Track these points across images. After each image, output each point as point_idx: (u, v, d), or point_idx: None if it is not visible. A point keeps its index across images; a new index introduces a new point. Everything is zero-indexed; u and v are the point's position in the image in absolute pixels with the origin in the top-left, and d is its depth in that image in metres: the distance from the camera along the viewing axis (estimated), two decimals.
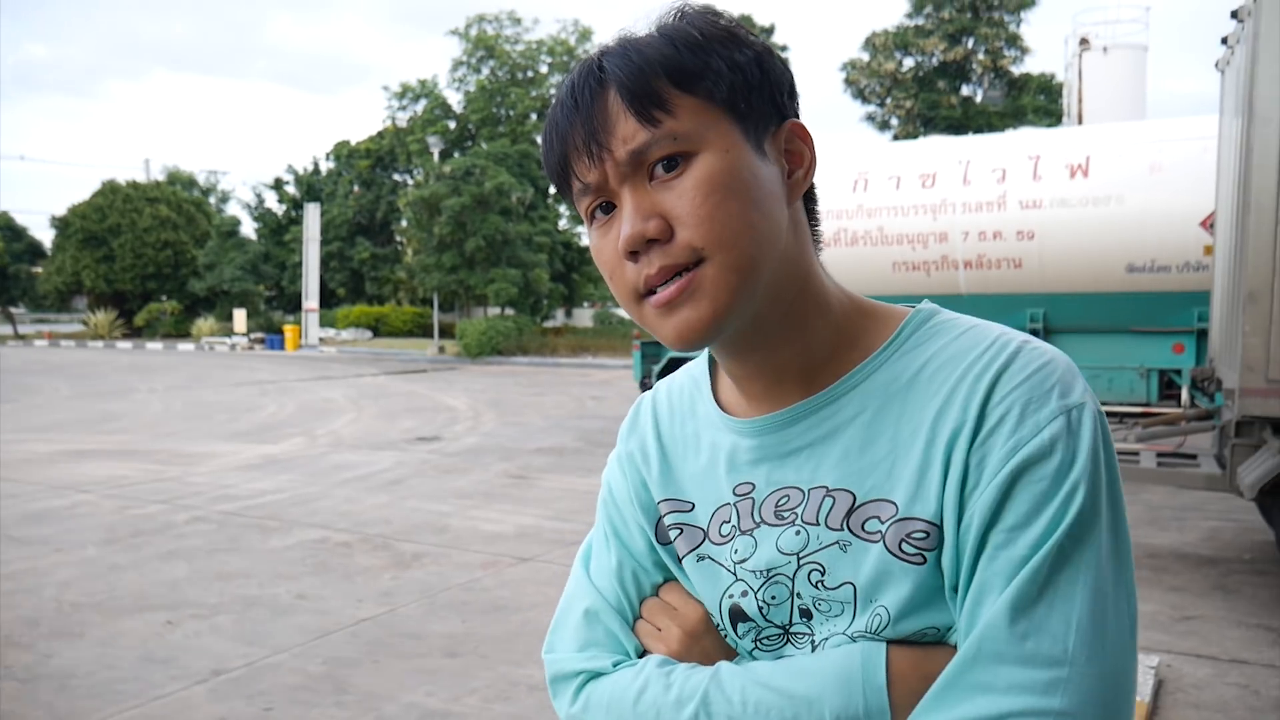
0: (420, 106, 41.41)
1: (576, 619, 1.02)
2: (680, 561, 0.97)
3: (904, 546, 0.82)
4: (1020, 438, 0.78)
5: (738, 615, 0.92)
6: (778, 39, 40.25)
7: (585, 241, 42.92)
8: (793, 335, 0.88)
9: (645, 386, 12.07)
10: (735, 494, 0.93)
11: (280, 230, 46.25)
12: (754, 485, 0.92)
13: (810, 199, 0.92)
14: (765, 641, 0.91)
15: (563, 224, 39.96)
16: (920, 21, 35.48)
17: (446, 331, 35.67)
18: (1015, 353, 0.83)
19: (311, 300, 36.56)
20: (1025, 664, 0.74)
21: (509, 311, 33.23)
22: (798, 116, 0.89)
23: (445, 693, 4.45)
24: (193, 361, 29.06)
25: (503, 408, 16.55)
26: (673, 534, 0.98)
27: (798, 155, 0.88)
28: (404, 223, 37.03)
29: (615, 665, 0.97)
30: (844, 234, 10.49)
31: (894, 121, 35.67)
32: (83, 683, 4.54)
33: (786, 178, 0.87)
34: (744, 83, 0.84)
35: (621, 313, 48.76)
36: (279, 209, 48.16)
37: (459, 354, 29.70)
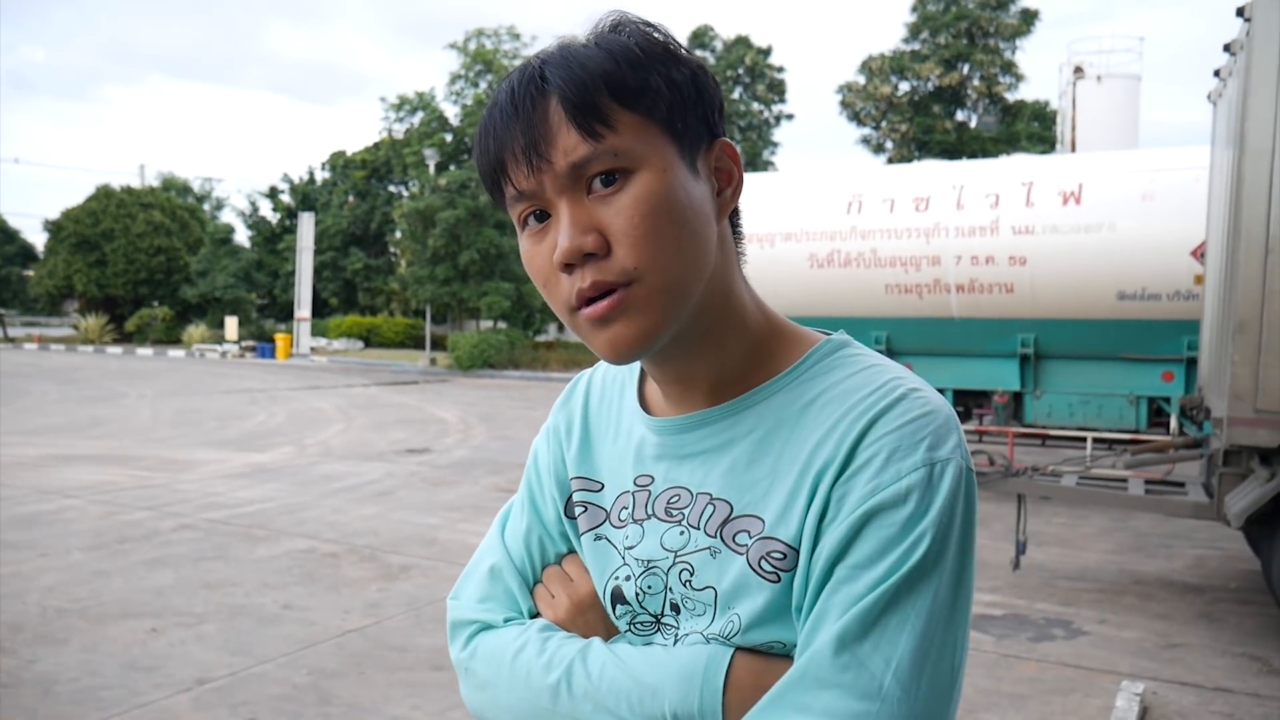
0: (417, 119, 41.44)
1: (482, 573, 1.07)
2: (580, 538, 1.02)
3: (763, 564, 0.86)
4: (880, 482, 0.81)
5: (618, 597, 0.97)
6: (775, 60, 40.50)
7: None
8: (708, 349, 0.91)
9: None
10: (635, 484, 0.98)
11: (274, 239, 46.20)
12: (652, 479, 0.96)
13: (735, 214, 0.94)
14: (639, 626, 0.96)
15: None
16: (916, 46, 35.73)
17: (438, 344, 35.64)
18: (898, 399, 0.85)
19: (304, 309, 36.51)
20: (842, 692, 0.78)
21: (501, 325, 33.22)
22: (724, 135, 0.90)
23: (431, 706, 4.44)
24: (183, 368, 28.97)
25: (493, 421, 16.53)
26: (578, 510, 1.03)
27: (726, 174, 0.90)
28: (398, 234, 37.03)
29: (506, 621, 1.02)
30: (837, 255, 10.53)
31: (889, 145, 35.87)
32: (66, 689, 4.51)
33: (715, 195, 0.89)
34: (681, 101, 0.85)
35: None
36: (273, 217, 48.12)
37: (450, 366, 29.65)
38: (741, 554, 0.87)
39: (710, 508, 0.90)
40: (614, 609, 0.97)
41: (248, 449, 12.44)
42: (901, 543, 0.80)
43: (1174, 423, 9.48)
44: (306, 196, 46.68)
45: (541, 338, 38.00)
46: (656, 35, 0.87)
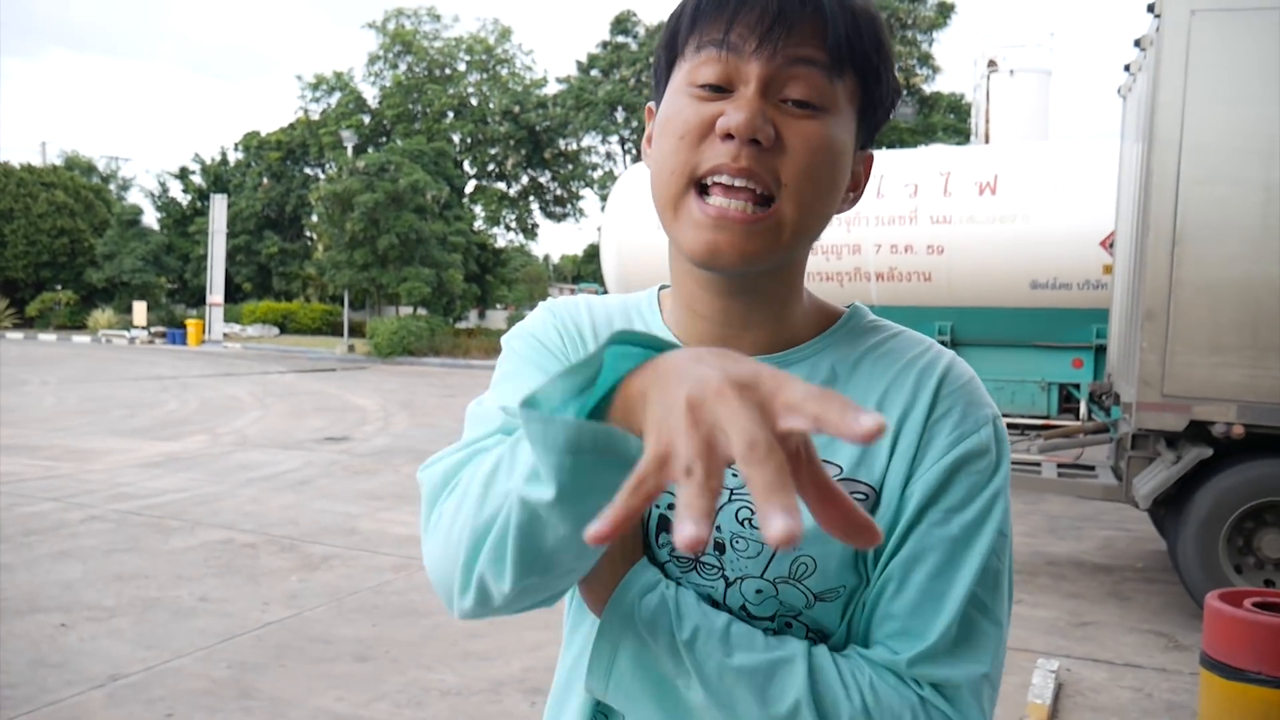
0: (334, 99, 40.64)
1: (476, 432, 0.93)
2: None
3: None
4: (964, 431, 0.89)
5: (662, 526, 0.93)
6: None
7: (500, 243, 42.74)
8: (774, 300, 0.93)
9: None
10: None
11: (185, 221, 44.86)
12: None
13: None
14: (678, 560, 0.93)
15: (478, 224, 39.63)
16: None
17: (357, 330, 35.05)
18: (952, 360, 0.94)
19: (216, 294, 35.55)
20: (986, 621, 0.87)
21: (421, 311, 32.80)
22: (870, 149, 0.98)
23: (355, 697, 4.37)
24: (88, 354, 28.00)
25: (414, 409, 16.32)
26: None
27: (857, 180, 0.95)
28: (315, 218, 36.26)
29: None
30: None
31: None
32: None
33: (846, 191, 0.94)
34: (882, 101, 0.91)
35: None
36: (184, 199, 46.71)
37: (369, 353, 29.20)
38: None
39: None
40: (657, 538, 0.93)
41: (159, 438, 12.08)
42: (986, 489, 0.88)
43: (1083, 408, 9.78)
44: (219, 178, 45.42)
45: (462, 324, 37.65)
46: (892, 50, 0.93)
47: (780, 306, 0.94)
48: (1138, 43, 6.26)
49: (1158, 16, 5.52)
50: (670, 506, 0.92)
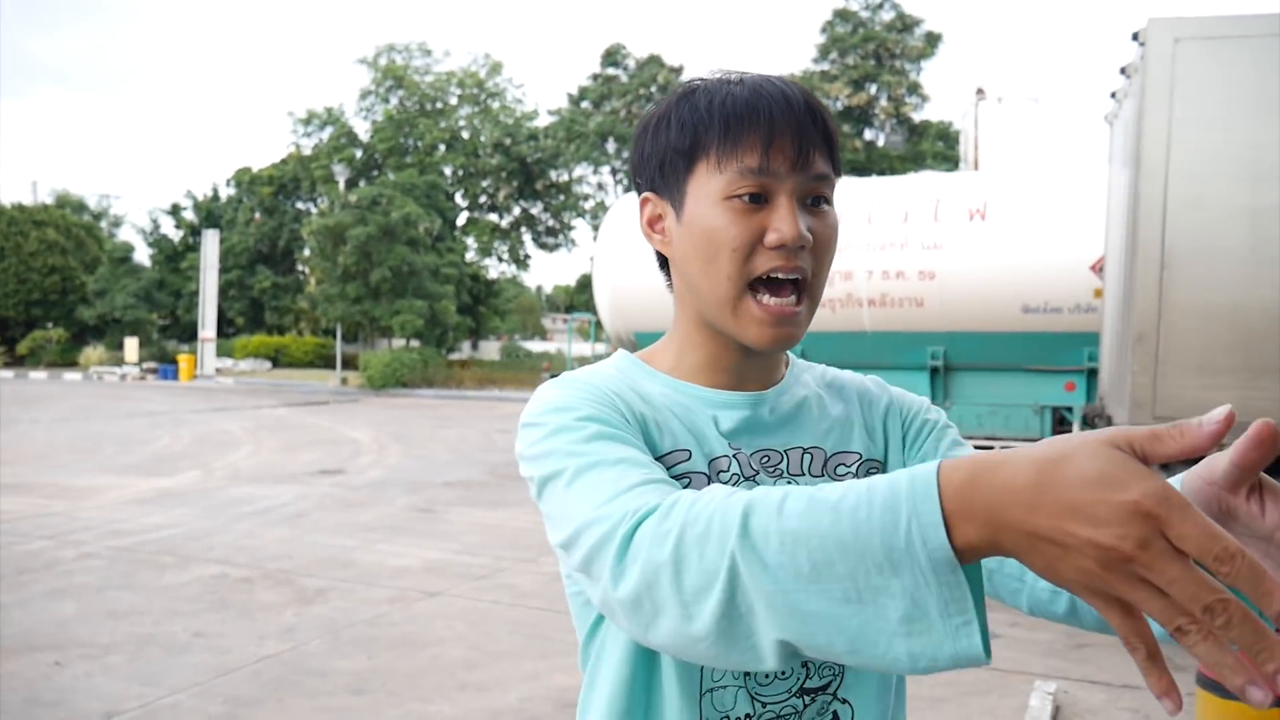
0: (326, 134, 40.85)
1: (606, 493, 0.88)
2: None
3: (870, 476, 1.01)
4: (934, 416, 1.19)
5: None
6: (686, 79, 40.88)
7: (493, 274, 42.83)
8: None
9: None
10: (730, 448, 1.07)
11: (176, 257, 44.90)
12: (740, 447, 1.08)
13: None
14: None
15: (470, 255, 39.74)
16: (826, 66, 36.50)
17: (349, 363, 35.03)
18: (872, 377, 1.25)
19: (208, 329, 35.54)
20: None
21: (414, 343, 32.83)
22: None
23: None
24: (80, 392, 27.93)
25: (408, 440, 16.30)
26: (681, 483, 0.97)
27: None
28: (307, 251, 36.35)
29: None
30: None
31: None
32: None
33: None
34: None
35: (528, 345, 48.60)
36: (175, 235, 46.79)
37: (362, 386, 29.17)
38: (847, 479, 1.04)
39: (807, 456, 1.10)
40: None
41: (152, 474, 12.04)
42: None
43: (1077, 431, 9.81)
44: (211, 213, 45.53)
45: (455, 356, 37.67)
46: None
47: (776, 357, 1.15)
48: (1124, 70, 6.35)
49: (1143, 45, 5.61)
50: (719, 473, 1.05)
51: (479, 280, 39.93)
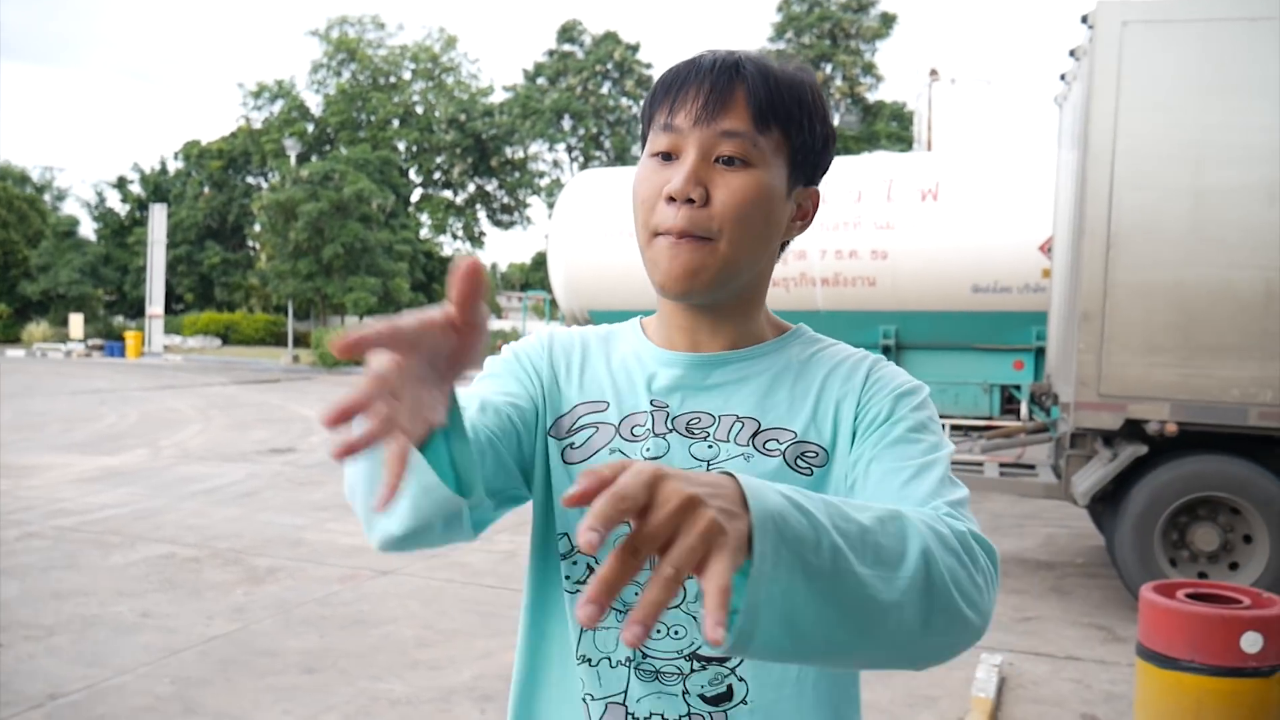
0: (276, 107, 40.19)
1: None
2: (576, 463, 1.11)
3: (799, 461, 1.08)
4: (896, 385, 1.11)
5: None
6: (644, 56, 40.74)
7: (447, 252, 42.49)
8: (739, 312, 1.15)
9: None
10: (652, 405, 1.13)
11: (123, 232, 44.04)
12: (668, 404, 1.13)
13: (785, 243, 1.18)
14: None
15: (424, 233, 39.37)
16: (782, 46, 36.51)
17: (301, 340, 34.62)
18: (879, 358, 1.17)
19: (156, 306, 34.91)
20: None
21: (367, 321, 32.50)
22: (818, 185, 1.16)
23: (303, 710, 4.32)
24: (23, 369, 27.31)
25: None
26: (584, 433, 1.13)
27: (804, 211, 1.15)
28: (257, 227, 35.80)
29: None
30: None
31: None
32: None
33: (791, 221, 1.14)
34: (810, 148, 1.10)
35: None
36: (122, 209, 45.87)
37: (314, 363, 28.86)
38: (775, 456, 1.08)
39: (739, 425, 1.10)
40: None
41: (98, 452, 11.83)
42: (934, 421, 1.10)
43: (1024, 409, 9.97)
44: (159, 187, 44.66)
45: None
46: (822, 95, 1.12)
47: (740, 319, 1.15)
48: (1073, 53, 6.42)
49: (1091, 28, 5.67)
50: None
51: (433, 258, 39.59)
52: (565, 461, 1.12)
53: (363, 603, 5.91)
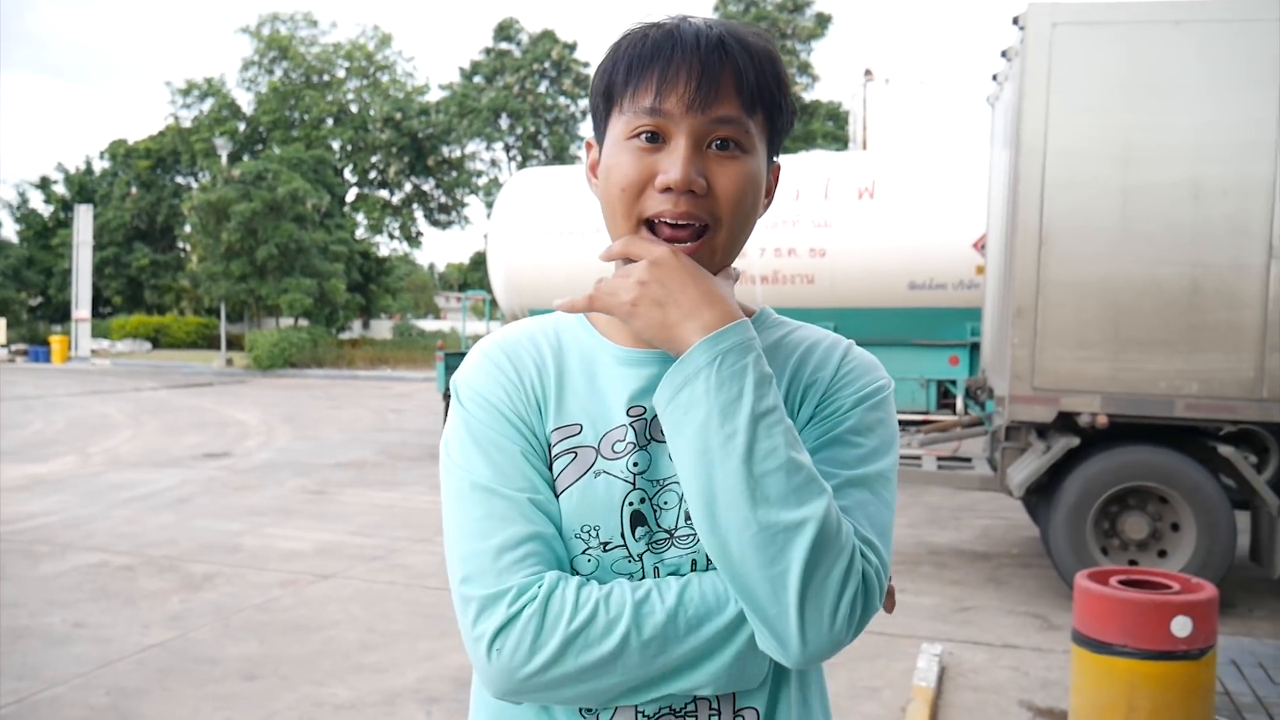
0: (206, 105, 39.37)
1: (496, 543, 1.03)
2: (564, 491, 1.06)
3: None
4: (864, 383, 1.10)
5: (637, 520, 1.05)
6: (581, 55, 40.67)
7: (384, 252, 41.98)
8: None
9: (449, 397, 11.91)
10: (629, 415, 1.07)
11: (47, 233, 42.82)
12: (645, 408, 1.07)
13: None
14: (655, 545, 1.05)
15: (360, 233, 38.87)
16: None
17: (235, 343, 33.98)
18: (851, 344, 1.16)
19: (82, 309, 34.01)
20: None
21: (303, 322, 32.01)
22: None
23: (244, 717, 4.25)
24: None
25: (298, 422, 15.92)
26: (563, 461, 1.07)
27: (770, 187, 1.13)
28: (188, 228, 35.03)
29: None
30: None
31: None
32: None
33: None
34: (784, 125, 1.09)
35: (422, 324, 47.84)
36: (46, 210, 44.59)
37: (249, 366, 28.34)
38: None
39: None
40: (633, 532, 1.05)
41: (24, 460, 11.49)
42: (882, 425, 1.09)
43: (960, 403, 10.16)
44: (84, 187, 43.53)
45: (346, 335, 36.88)
46: (787, 75, 1.10)
47: None
48: (1004, 53, 6.55)
49: (1022, 28, 5.79)
50: (642, 500, 1.05)
51: (370, 258, 39.10)
52: (555, 493, 1.07)
53: (304, 607, 5.83)
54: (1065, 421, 5.81)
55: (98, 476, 10.39)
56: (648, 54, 1.01)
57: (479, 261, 44.36)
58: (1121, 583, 3.55)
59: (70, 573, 6.54)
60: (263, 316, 35.22)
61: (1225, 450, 5.70)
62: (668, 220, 1.01)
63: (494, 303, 15.33)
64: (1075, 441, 5.81)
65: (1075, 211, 5.64)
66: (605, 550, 1.05)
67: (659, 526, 1.05)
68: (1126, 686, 3.46)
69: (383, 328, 44.13)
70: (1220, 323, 5.48)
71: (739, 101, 1.01)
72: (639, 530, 1.05)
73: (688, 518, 1.03)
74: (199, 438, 13.71)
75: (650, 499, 1.05)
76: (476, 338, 19.96)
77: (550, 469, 1.07)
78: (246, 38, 39.17)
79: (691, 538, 1.04)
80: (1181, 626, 3.40)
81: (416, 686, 4.61)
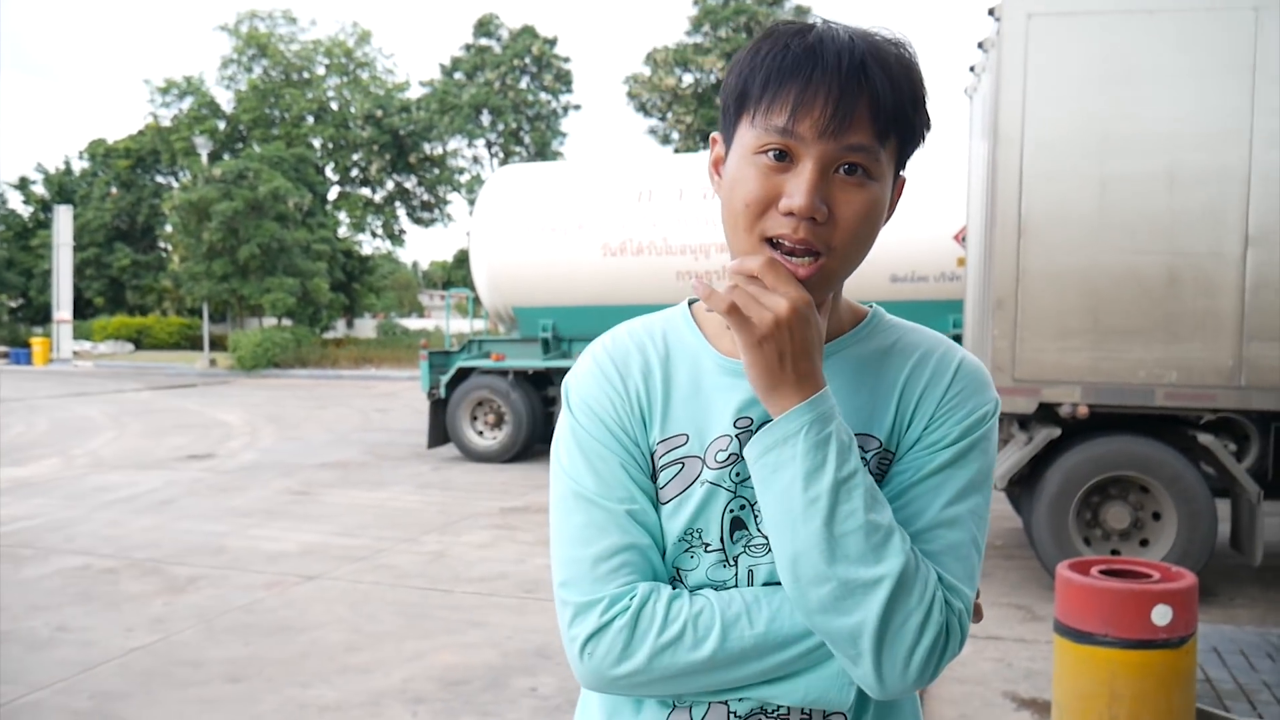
0: (186, 104, 39.10)
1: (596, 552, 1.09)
2: (667, 502, 1.12)
3: (879, 465, 1.10)
4: (972, 405, 1.10)
5: (737, 525, 1.10)
6: (561, 50, 40.60)
7: (367, 250, 41.82)
8: (824, 307, 1.10)
9: (433, 396, 11.89)
10: (736, 426, 1.10)
11: (26, 234, 42.52)
12: (752, 419, 1.10)
13: None
14: (753, 548, 1.10)
15: (343, 231, 38.71)
16: (699, 39, 36.68)
17: (218, 344, 33.82)
18: (961, 351, 1.16)
19: (63, 311, 33.78)
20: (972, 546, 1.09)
21: (286, 322, 31.87)
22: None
23: None
24: None
25: (282, 422, 15.86)
26: (669, 471, 1.12)
27: (893, 203, 1.11)
28: (169, 228, 34.81)
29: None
30: (630, 243, 10.69)
31: (675, 136, 36.68)
32: None
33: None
34: (915, 145, 1.08)
35: (406, 323, 47.65)
36: (25, 211, 44.27)
37: (232, 367, 28.21)
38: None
39: None
40: (731, 536, 1.10)
41: (5, 463, 11.41)
42: (984, 456, 1.09)
43: None
44: (63, 188, 43.23)
45: (330, 334, 36.75)
46: (922, 73, 1.07)
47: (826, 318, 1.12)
48: (981, 45, 6.57)
49: (998, 20, 5.81)
50: (742, 508, 1.10)
51: (352, 256, 38.95)
52: (660, 502, 1.12)
53: (288, 609, 5.81)
54: (1046, 412, 5.84)
55: (80, 479, 10.33)
56: (788, 69, 1.00)
57: (463, 259, 44.27)
58: (1102, 572, 3.57)
59: (53, 576, 6.50)
60: (246, 317, 35.04)
61: (1205, 439, 5.74)
62: (786, 243, 1.02)
63: (478, 301, 15.30)
64: (1056, 432, 5.84)
65: (1053, 202, 5.66)
66: (707, 551, 1.11)
67: (758, 532, 1.10)
68: (1108, 676, 3.49)
69: (367, 327, 43.99)
70: (1198, 311, 5.51)
71: (873, 130, 1.00)
72: (738, 534, 1.10)
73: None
74: (182, 439, 13.64)
75: (751, 506, 1.10)
76: (460, 336, 19.90)
77: (655, 479, 1.12)
78: (225, 35, 38.89)
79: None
80: (1162, 615, 3.43)
81: (402, 687, 4.60)
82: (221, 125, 38.63)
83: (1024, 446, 5.94)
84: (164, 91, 39.12)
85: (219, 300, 31.84)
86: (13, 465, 11.25)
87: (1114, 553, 5.88)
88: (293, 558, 7.00)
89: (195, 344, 37.39)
